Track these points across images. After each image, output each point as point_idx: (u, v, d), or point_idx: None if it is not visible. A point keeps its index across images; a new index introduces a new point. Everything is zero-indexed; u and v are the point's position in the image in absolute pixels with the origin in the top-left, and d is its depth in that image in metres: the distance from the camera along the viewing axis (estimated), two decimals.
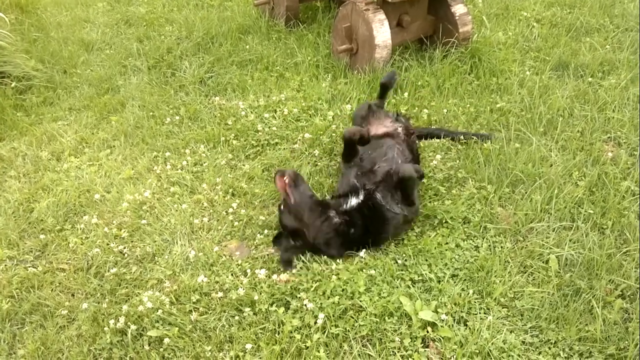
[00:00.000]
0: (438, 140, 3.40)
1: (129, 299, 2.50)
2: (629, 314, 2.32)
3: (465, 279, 2.49)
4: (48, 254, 2.81)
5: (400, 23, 4.10)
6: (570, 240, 2.64)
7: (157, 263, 2.69)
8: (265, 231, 2.82)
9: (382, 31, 3.84)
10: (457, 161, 3.21)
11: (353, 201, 2.67)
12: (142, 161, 3.41)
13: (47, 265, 2.74)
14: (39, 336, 2.36)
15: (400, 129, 3.12)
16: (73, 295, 2.59)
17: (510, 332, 2.26)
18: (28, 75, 4.37)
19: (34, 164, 3.50)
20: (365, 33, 3.89)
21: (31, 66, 4.44)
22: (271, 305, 2.40)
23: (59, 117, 4.00)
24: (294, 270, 2.57)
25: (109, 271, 2.64)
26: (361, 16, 3.88)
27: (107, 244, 2.79)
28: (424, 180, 3.04)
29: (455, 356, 2.15)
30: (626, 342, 2.19)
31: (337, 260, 2.60)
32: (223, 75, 4.26)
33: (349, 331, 2.27)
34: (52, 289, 2.61)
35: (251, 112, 3.77)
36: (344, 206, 2.66)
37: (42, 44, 4.94)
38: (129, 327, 2.31)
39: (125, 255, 2.75)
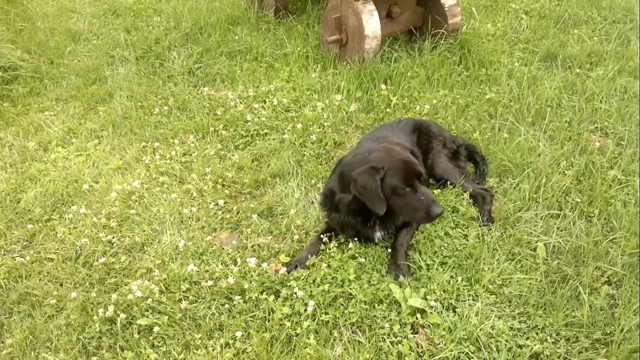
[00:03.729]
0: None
1: (118, 288, 2.49)
2: (615, 300, 2.35)
3: (454, 267, 2.51)
4: (36, 244, 2.79)
5: (389, 14, 4.10)
6: (557, 228, 2.67)
7: (147, 252, 2.68)
8: (254, 217, 2.82)
9: (371, 22, 3.83)
10: None
11: None
12: (130, 151, 3.38)
13: (35, 255, 2.72)
14: (27, 325, 2.35)
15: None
16: (61, 284, 2.57)
17: (499, 318, 2.28)
18: (14, 66, 4.31)
19: (21, 154, 3.46)
20: (355, 24, 3.89)
21: (17, 56, 4.38)
22: (261, 293, 2.40)
23: (45, 107, 3.96)
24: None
25: (97, 260, 2.62)
26: (351, 7, 3.87)
27: (96, 234, 2.78)
28: None
29: (444, 342, 2.16)
30: (612, 327, 2.22)
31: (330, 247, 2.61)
32: (212, 66, 4.23)
33: (338, 318, 2.27)
34: (40, 279, 2.59)
35: (240, 103, 3.76)
36: None
37: (28, 34, 4.87)
38: (118, 316, 2.29)
39: (114, 244, 2.73)
